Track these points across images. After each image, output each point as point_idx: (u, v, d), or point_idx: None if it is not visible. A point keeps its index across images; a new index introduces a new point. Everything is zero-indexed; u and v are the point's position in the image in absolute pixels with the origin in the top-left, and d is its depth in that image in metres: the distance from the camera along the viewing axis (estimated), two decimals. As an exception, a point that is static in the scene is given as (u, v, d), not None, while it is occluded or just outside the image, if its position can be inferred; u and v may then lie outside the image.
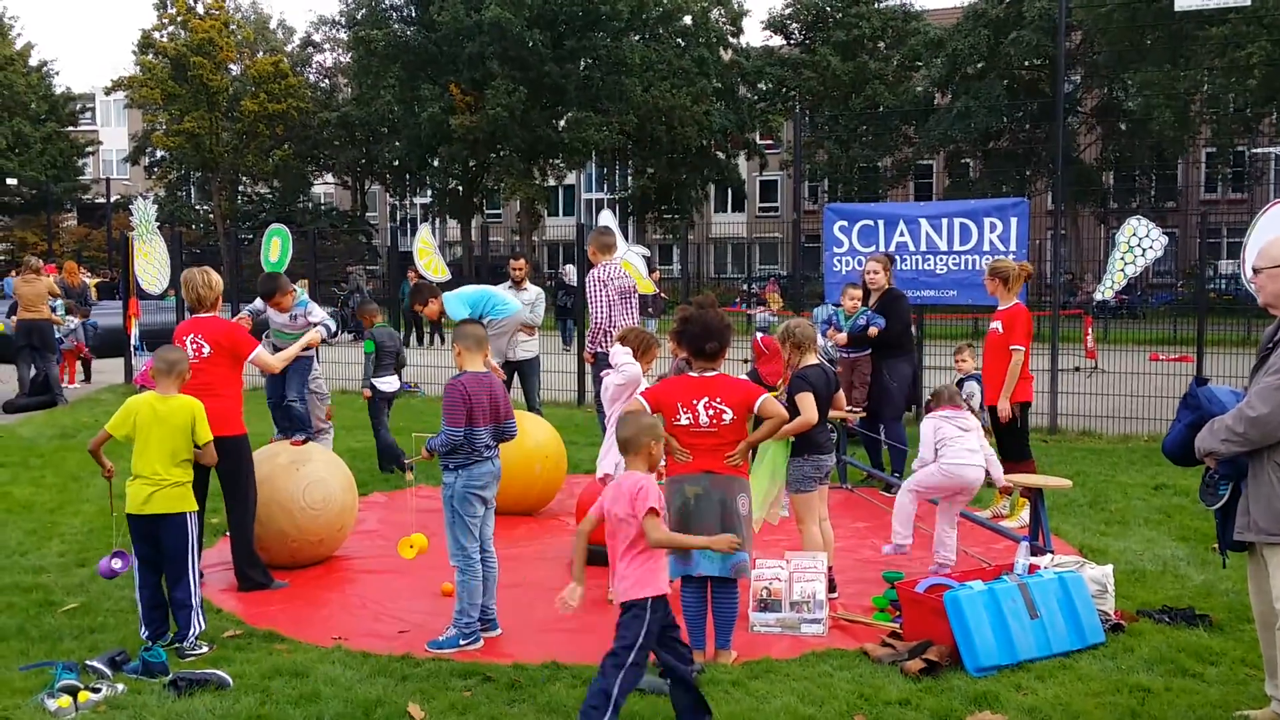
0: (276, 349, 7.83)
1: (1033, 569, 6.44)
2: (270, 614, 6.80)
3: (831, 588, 7.00)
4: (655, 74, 43.39)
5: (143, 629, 6.18)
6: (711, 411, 5.87)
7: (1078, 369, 16.24)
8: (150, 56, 53.44)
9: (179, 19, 53.37)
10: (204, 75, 51.33)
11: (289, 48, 62.32)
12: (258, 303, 8.12)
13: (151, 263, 17.96)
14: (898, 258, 12.60)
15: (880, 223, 13.63)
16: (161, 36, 53.47)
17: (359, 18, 46.92)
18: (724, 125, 46.43)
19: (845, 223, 13.82)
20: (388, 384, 10.52)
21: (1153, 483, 10.39)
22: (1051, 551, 7.10)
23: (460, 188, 49.85)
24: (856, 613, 6.79)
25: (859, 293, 10.56)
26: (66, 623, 6.53)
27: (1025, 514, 9.09)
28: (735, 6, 48.72)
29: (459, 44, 43.61)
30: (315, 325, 8.22)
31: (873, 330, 10.26)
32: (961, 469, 7.45)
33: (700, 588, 5.98)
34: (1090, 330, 18.43)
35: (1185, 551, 8.07)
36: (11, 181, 45.94)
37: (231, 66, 54.91)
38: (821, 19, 46.89)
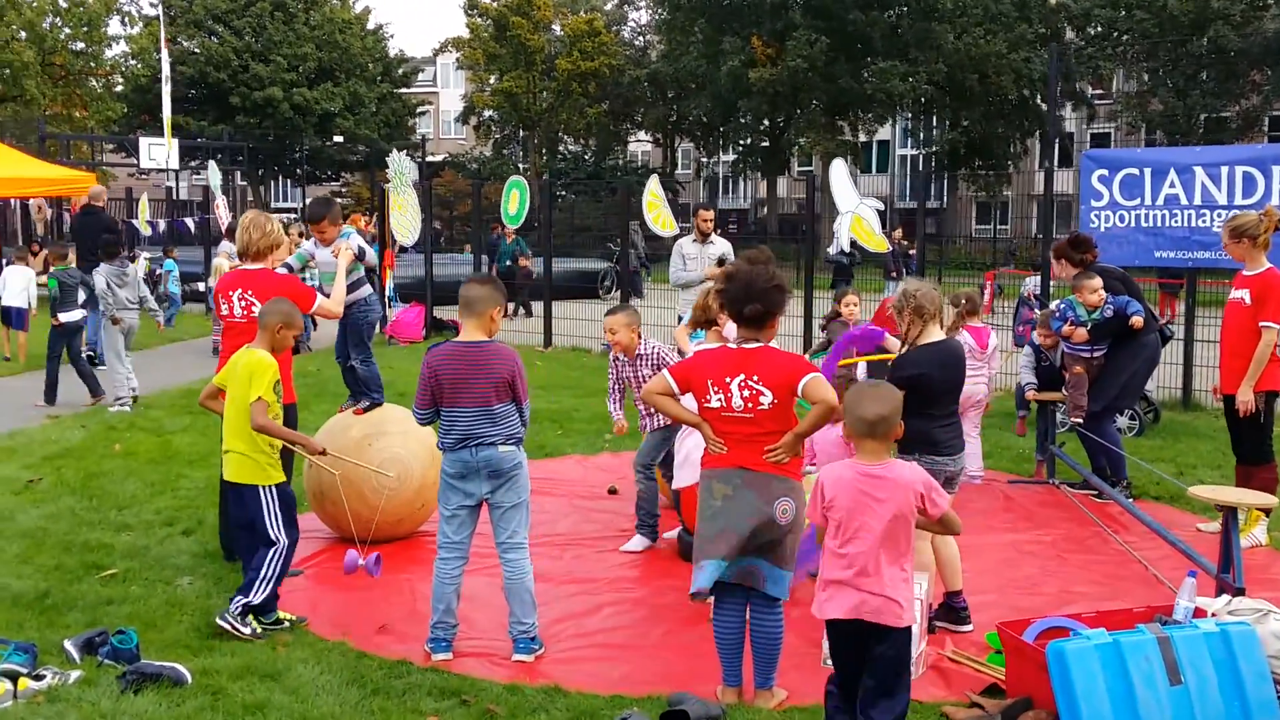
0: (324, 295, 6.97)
1: (1198, 614, 4.91)
2: (300, 600, 6.10)
3: (931, 625, 5.53)
4: (969, 19, 40.61)
5: None
6: (747, 392, 4.64)
7: None
8: (476, 18, 55.44)
9: (501, -20, 55.02)
10: (522, 35, 52.66)
11: (607, 6, 63.01)
12: (306, 246, 7.22)
13: (405, 215, 18.12)
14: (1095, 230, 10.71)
15: (1146, 172, 11.67)
16: (485, -1, 55.35)
17: (668, -29, 46.55)
18: (1045, 73, 42.96)
19: (1105, 172, 11.94)
20: (71, 316, 12.15)
21: None
22: (1239, 590, 5.42)
23: (765, 143, 48.74)
24: (971, 652, 5.43)
25: (1099, 283, 8.63)
26: (93, 590, 6.11)
27: (1258, 530, 7.33)
28: (1066, -56, 45.01)
29: (763, -6, 42.47)
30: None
31: (1135, 320, 8.35)
32: None
33: (738, 608, 4.84)
34: None
35: None
36: (338, 139, 48.48)
37: (554, 26, 56.09)
38: (1161, -46, 42.51)
